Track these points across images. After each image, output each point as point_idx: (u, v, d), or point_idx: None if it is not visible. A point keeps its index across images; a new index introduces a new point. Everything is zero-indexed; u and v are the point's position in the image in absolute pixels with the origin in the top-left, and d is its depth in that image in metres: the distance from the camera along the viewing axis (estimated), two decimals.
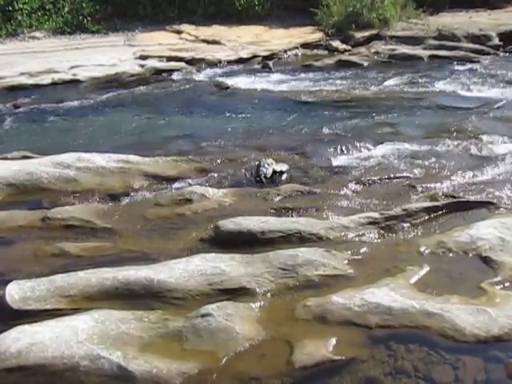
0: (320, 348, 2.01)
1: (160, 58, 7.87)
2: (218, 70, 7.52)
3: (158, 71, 7.40)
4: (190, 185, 3.55)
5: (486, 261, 2.55)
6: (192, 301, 2.31)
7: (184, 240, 2.88)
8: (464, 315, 2.12)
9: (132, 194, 3.49)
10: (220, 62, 7.92)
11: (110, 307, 2.26)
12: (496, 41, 8.45)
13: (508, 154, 3.94)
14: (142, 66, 7.54)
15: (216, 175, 3.72)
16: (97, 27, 9.72)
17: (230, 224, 2.83)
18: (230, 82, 6.69)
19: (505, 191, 3.31)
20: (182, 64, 7.65)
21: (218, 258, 2.52)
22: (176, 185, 3.60)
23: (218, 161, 3.96)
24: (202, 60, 7.87)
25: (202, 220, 3.06)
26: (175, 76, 7.23)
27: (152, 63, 7.63)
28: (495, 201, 3.15)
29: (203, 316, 2.15)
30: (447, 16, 9.87)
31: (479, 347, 2.03)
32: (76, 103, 6.02)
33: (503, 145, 4.16)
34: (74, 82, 6.92)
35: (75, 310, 2.25)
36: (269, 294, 2.35)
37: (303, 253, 2.54)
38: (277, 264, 2.46)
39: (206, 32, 9.47)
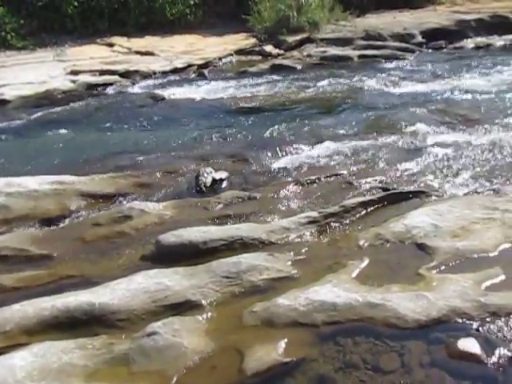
0: (270, 352, 2.01)
1: (92, 72, 7.66)
2: (153, 82, 7.42)
3: (91, 86, 7.20)
4: (129, 201, 3.46)
5: (422, 247, 2.63)
6: (137, 321, 2.23)
7: (126, 258, 2.79)
8: (405, 302, 2.18)
9: (69, 216, 3.35)
10: (155, 73, 7.83)
11: (51, 338, 2.13)
12: (419, 38, 8.94)
13: (435, 144, 4.16)
14: (73, 81, 7.30)
15: (155, 189, 3.64)
16: (23, 43, 9.29)
17: (170, 237, 2.77)
18: (166, 92, 6.61)
19: (435, 180, 3.49)
20: (116, 77, 7.49)
21: (161, 274, 2.46)
22: (114, 202, 3.50)
23: (157, 174, 3.88)
24: (136, 72, 7.75)
25: (142, 236, 2.99)
26: (109, 90, 7.06)
27: (84, 78, 7.41)
28: (426, 189, 3.29)
29: (149, 335, 2.08)
30: (373, 17, 10.31)
31: (421, 331, 2.08)
32: (3, 124, 5.72)
33: (431, 136, 4.38)
34: (1, 102, 6.57)
35: (12, 348, 2.11)
36: (215, 304, 2.32)
37: (246, 259, 2.52)
38: (220, 273, 2.43)
39: (138, 43, 9.33)
